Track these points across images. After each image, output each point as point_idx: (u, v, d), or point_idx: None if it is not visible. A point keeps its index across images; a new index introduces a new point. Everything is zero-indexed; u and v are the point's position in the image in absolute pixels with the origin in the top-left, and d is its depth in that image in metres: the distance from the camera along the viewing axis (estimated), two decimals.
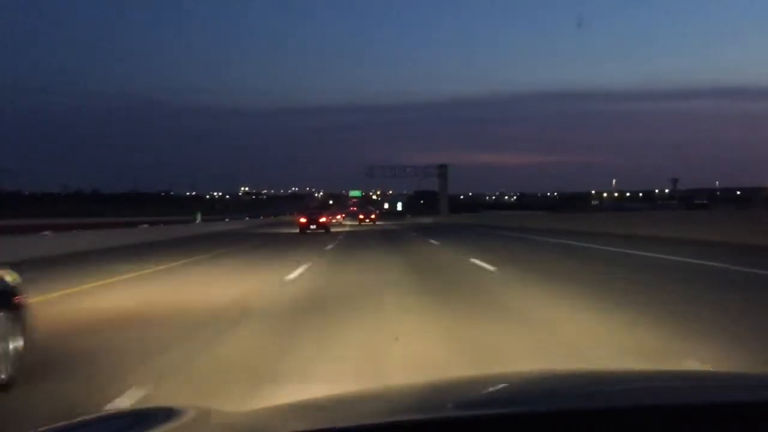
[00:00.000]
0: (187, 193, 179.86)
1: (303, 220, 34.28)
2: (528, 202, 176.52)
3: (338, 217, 65.35)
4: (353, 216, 74.37)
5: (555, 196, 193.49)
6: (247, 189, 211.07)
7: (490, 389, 1.46)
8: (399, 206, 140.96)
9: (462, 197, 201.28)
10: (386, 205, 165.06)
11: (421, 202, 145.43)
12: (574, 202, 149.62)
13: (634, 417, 1.04)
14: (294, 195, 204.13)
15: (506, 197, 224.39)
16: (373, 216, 65.71)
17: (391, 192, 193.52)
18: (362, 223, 57.33)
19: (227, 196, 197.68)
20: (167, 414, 1.41)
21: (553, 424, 1.03)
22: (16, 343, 3.66)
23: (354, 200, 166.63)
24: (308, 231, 32.42)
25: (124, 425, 1.48)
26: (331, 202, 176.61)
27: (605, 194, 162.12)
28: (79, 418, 1.54)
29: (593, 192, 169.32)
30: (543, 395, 1.36)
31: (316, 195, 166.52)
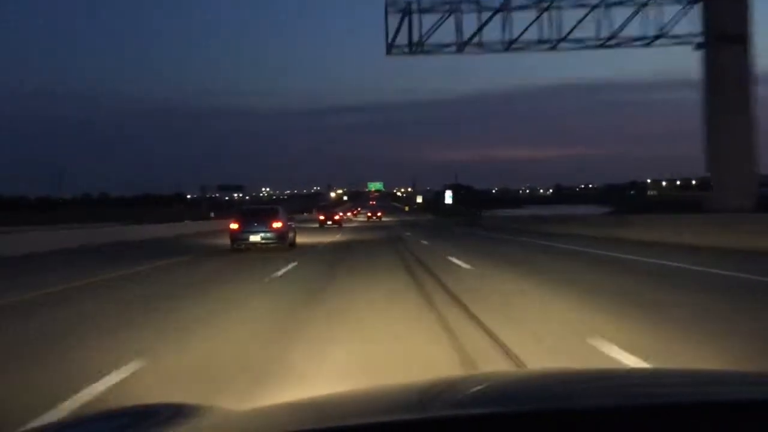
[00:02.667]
0: (208, 195, 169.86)
1: (322, 217, 46.89)
2: (567, 195, 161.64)
3: (348, 214, 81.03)
4: (372, 210, 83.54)
5: (595, 188, 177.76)
6: (268, 189, 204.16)
7: (488, 388, 1.47)
8: (448, 198, 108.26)
9: (494, 191, 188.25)
10: (419, 199, 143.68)
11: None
12: (623, 194, 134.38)
13: (632, 416, 1.06)
14: (316, 194, 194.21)
15: (541, 190, 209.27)
16: (379, 213, 74.88)
17: (411, 189, 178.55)
18: (369, 220, 68.35)
19: (247, 198, 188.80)
20: (168, 411, 1.46)
21: (551, 423, 1.04)
22: (293, 235, 19.65)
23: (375, 194, 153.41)
24: (326, 225, 43.51)
25: (126, 422, 1.52)
26: (345, 198, 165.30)
27: (664, 183, 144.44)
28: (81, 415, 1.71)
29: (649, 180, 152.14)
30: (540, 394, 1.37)
31: (331, 194, 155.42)
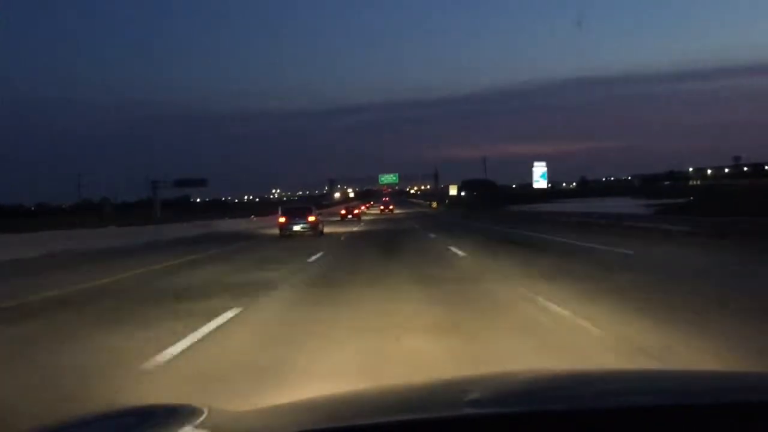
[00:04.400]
0: (223, 198, 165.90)
1: (343, 211, 53.95)
2: (593, 188, 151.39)
3: (363, 207, 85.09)
4: (385, 204, 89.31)
5: (625, 179, 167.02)
6: (279, 191, 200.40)
7: (491, 388, 1.49)
8: (540, 178, 68.06)
9: (514, 186, 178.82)
10: (453, 190, 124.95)
11: (462, 194, 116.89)
12: (659, 185, 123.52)
13: (634, 417, 1.08)
14: (325, 194, 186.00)
15: (563, 184, 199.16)
16: (391, 207, 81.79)
17: (428, 186, 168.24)
18: (382, 213, 74.07)
19: (257, 200, 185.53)
20: (169, 412, 1.47)
21: (553, 423, 1.07)
22: (322, 226, 26.22)
23: (387, 190, 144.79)
24: (346, 219, 50.87)
25: (125, 423, 1.54)
26: (351, 195, 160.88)
27: (709, 171, 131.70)
28: (81, 416, 1.60)
29: (691, 169, 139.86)
30: (543, 394, 1.39)
31: (335, 194, 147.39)
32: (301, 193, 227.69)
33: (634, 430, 1.03)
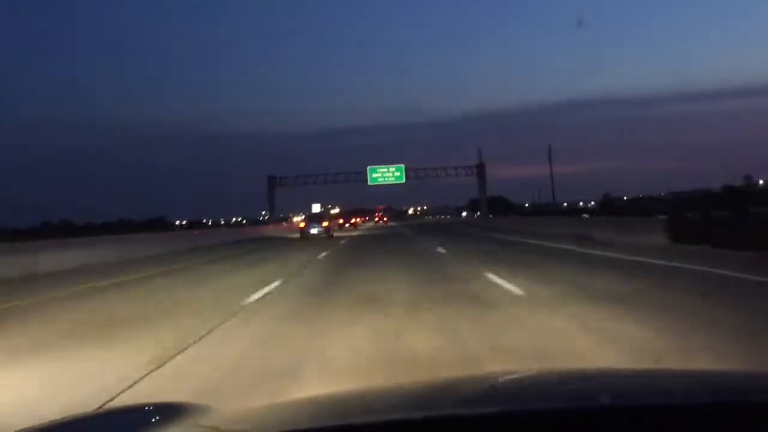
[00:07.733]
0: (204, 220, 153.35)
1: (341, 221, 63.11)
2: (618, 207, 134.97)
3: (357, 220, 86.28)
4: (380, 218, 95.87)
5: (659, 198, 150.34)
6: (267, 213, 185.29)
7: (491, 388, 1.50)
8: None
9: (527, 205, 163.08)
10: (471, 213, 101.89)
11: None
12: (697, 202, 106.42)
13: (634, 416, 1.10)
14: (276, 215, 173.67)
15: (581, 203, 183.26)
16: (385, 218, 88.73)
17: (425, 208, 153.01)
18: (377, 224, 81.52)
19: (243, 221, 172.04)
20: (169, 411, 1.47)
21: (553, 422, 1.08)
22: (332, 231, 35.73)
23: (382, 207, 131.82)
24: (344, 228, 60.70)
25: (125, 422, 1.55)
26: (333, 211, 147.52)
27: None
28: (80, 414, 1.59)
29: (762, 182, 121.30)
30: (543, 394, 1.41)
31: (295, 218, 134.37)
32: (291, 214, 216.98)
33: (636, 428, 1.03)
